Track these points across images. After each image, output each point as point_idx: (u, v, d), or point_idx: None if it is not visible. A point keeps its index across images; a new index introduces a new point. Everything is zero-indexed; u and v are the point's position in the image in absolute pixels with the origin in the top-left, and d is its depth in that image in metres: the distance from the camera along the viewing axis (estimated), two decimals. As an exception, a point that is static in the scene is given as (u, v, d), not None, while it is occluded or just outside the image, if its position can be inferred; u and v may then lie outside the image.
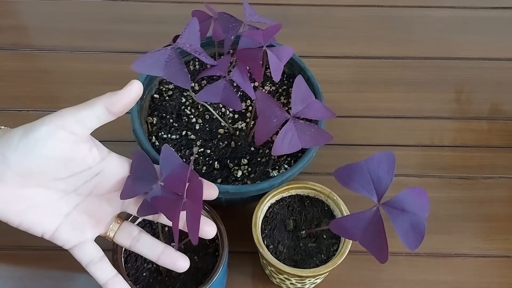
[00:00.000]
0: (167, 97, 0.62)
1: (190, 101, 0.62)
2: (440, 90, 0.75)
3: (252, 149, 0.58)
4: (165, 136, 0.58)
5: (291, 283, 0.54)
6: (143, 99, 0.59)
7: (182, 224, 0.46)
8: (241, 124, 0.60)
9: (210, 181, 0.53)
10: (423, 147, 0.70)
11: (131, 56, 0.76)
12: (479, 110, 0.73)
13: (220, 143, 0.58)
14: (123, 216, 0.50)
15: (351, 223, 0.44)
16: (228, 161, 0.57)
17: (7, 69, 0.75)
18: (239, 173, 0.56)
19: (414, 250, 0.43)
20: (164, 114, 0.60)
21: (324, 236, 0.54)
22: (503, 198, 0.65)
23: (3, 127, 0.47)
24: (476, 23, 0.84)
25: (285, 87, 0.64)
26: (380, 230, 0.43)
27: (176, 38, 0.50)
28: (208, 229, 0.46)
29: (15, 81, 0.74)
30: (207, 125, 0.60)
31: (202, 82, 0.64)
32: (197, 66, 0.65)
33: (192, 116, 0.60)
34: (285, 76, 0.64)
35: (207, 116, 0.61)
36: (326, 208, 0.56)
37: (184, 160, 0.56)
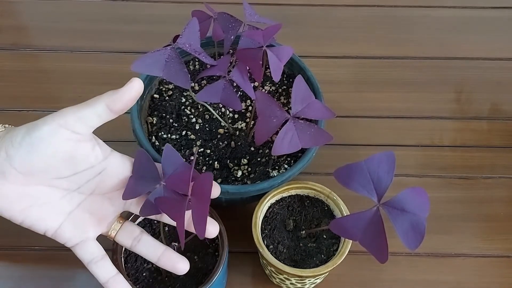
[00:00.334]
0: (167, 97, 0.62)
1: (190, 101, 0.62)
2: (440, 90, 0.75)
3: (252, 149, 0.58)
4: (165, 136, 0.58)
5: (291, 283, 0.54)
6: (143, 99, 0.59)
7: (186, 223, 0.46)
8: (241, 124, 0.60)
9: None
10: (423, 147, 0.70)
11: (131, 56, 0.76)
12: (479, 110, 0.73)
13: (220, 143, 0.58)
14: (125, 216, 0.50)
15: (351, 223, 0.44)
16: (228, 161, 0.57)
17: (7, 69, 0.75)
18: (239, 173, 0.56)
19: (414, 250, 0.43)
20: (164, 114, 0.60)
21: (324, 236, 0.54)
22: (503, 198, 0.65)
23: (7, 125, 0.47)
24: (476, 23, 0.84)
25: (285, 87, 0.64)
26: (380, 230, 0.43)
27: (176, 38, 0.50)
28: (211, 228, 0.46)
29: (15, 81, 0.74)
30: (207, 125, 0.60)
31: (202, 82, 0.64)
32: (197, 66, 0.65)
33: (192, 116, 0.60)
34: (285, 76, 0.64)
35: (207, 116, 0.61)
36: (326, 208, 0.56)
37: (184, 160, 0.56)
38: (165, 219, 0.47)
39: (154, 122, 0.59)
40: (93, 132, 0.45)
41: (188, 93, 0.62)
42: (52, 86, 0.74)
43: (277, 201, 0.56)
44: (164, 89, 0.62)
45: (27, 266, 0.58)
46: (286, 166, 0.57)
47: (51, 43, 0.78)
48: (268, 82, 0.64)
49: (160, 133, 0.58)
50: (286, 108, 0.61)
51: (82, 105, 0.43)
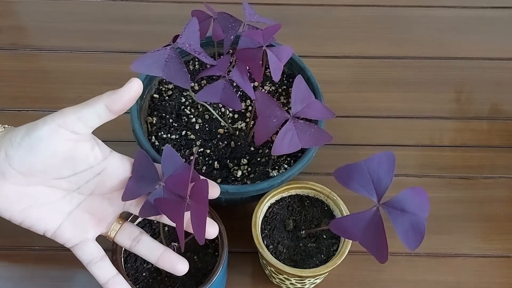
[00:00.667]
0: (166, 97, 0.62)
1: (190, 101, 0.62)
2: (440, 90, 0.75)
3: (252, 149, 0.58)
4: (164, 136, 0.58)
5: (291, 283, 0.54)
6: (142, 99, 0.59)
7: (185, 225, 0.46)
8: (240, 124, 0.60)
9: (210, 181, 0.54)
10: (423, 147, 0.70)
11: (130, 56, 0.76)
12: (479, 110, 0.73)
13: (220, 143, 0.58)
14: (125, 217, 0.50)
15: (351, 223, 0.44)
16: (228, 161, 0.57)
17: (7, 69, 0.75)
18: (239, 173, 0.56)
19: (414, 250, 0.43)
20: (163, 114, 0.60)
21: (324, 236, 0.54)
22: (503, 198, 0.65)
23: (6, 126, 0.47)
24: (476, 23, 0.84)
25: (284, 87, 0.64)
26: (380, 230, 0.43)
27: (176, 38, 0.50)
28: (210, 229, 0.46)
29: (14, 81, 0.74)
30: (206, 125, 0.60)
31: (202, 82, 0.64)
32: (196, 66, 0.65)
33: (191, 116, 0.60)
34: (285, 76, 0.64)
35: (206, 116, 0.61)
36: (326, 208, 0.56)
37: (184, 160, 0.56)
38: (165, 219, 0.47)
39: (154, 122, 0.59)
40: (93, 132, 0.44)
41: (188, 93, 0.62)
42: (52, 86, 0.74)
43: (277, 201, 0.56)
44: (164, 89, 0.62)
45: (27, 266, 0.58)
46: (286, 166, 0.56)
47: (51, 43, 0.78)
48: (268, 82, 0.64)
49: (160, 133, 0.58)
50: (286, 108, 0.61)
51: (82, 105, 0.43)
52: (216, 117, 0.59)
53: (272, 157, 0.57)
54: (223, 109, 0.61)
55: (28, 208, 0.44)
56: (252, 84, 0.57)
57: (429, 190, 0.45)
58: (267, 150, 0.58)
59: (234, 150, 0.58)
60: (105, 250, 0.48)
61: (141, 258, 0.51)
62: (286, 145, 0.50)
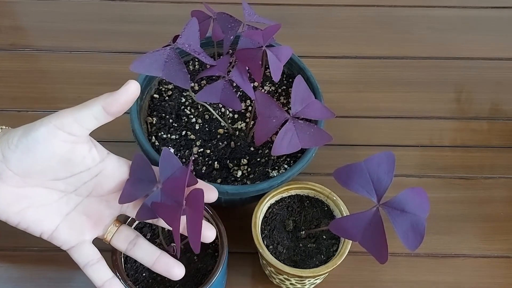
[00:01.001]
0: (166, 97, 0.62)
1: (190, 101, 0.62)
2: (440, 90, 0.75)
3: (252, 149, 0.58)
4: (164, 136, 0.58)
5: (291, 284, 0.54)
6: (142, 99, 0.59)
7: (182, 228, 0.46)
8: (240, 124, 0.60)
9: (210, 181, 0.53)
10: (423, 147, 0.69)
11: (130, 56, 0.76)
12: (479, 110, 0.73)
13: (220, 143, 0.58)
14: (122, 219, 0.49)
15: (351, 223, 0.44)
16: (228, 161, 0.57)
17: (5, 70, 0.75)
18: (239, 173, 0.56)
19: (414, 251, 0.43)
20: (163, 114, 0.60)
21: (324, 237, 0.54)
22: (503, 198, 0.65)
23: (4, 127, 0.47)
24: (476, 23, 0.84)
25: (284, 87, 0.64)
26: (380, 230, 0.43)
27: (175, 38, 0.49)
28: (208, 233, 0.46)
29: (13, 82, 0.73)
30: (206, 125, 0.60)
31: (202, 82, 0.64)
32: (196, 66, 0.65)
33: (191, 116, 0.60)
34: (284, 76, 0.64)
35: (206, 116, 0.60)
36: (326, 208, 0.56)
37: (183, 160, 0.56)
38: (161, 223, 0.47)
39: (154, 122, 0.59)
40: (93, 132, 0.44)
41: (187, 93, 0.62)
42: (51, 87, 0.73)
43: (277, 202, 0.56)
44: (163, 89, 0.62)
45: (26, 267, 0.58)
46: (285, 166, 0.56)
47: (50, 44, 0.78)
48: (267, 82, 0.64)
49: (159, 133, 0.58)
50: (286, 108, 0.61)
51: (79, 107, 0.43)
52: (216, 117, 0.59)
53: (272, 157, 0.57)
54: (223, 109, 0.61)
55: (25, 210, 0.44)
56: (252, 84, 0.57)
57: (429, 190, 0.45)
58: (267, 151, 0.58)
59: (234, 150, 0.58)
60: (105, 250, 0.48)
61: (141, 258, 0.52)
62: (286, 145, 0.49)
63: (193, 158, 0.52)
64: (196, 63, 0.65)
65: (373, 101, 0.73)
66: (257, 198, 0.54)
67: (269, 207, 0.55)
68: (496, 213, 0.64)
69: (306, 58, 0.64)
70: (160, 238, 0.52)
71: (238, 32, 0.55)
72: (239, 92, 0.62)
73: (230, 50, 0.61)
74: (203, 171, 0.56)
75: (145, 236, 0.53)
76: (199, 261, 0.52)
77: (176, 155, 0.56)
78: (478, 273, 0.59)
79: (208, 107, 0.59)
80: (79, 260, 0.46)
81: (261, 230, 0.54)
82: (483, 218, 0.64)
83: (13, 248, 0.59)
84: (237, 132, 0.59)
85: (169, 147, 0.57)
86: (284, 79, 0.64)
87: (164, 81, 0.63)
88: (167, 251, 0.48)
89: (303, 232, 0.54)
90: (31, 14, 0.83)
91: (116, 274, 0.48)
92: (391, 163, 0.44)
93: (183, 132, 0.59)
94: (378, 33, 0.82)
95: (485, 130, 0.71)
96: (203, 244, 0.53)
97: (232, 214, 0.57)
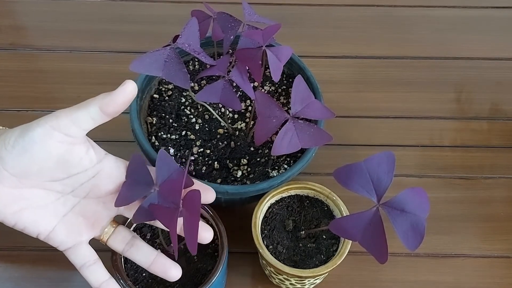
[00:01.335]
0: (166, 97, 0.62)
1: (190, 101, 0.62)
2: (440, 90, 0.75)
3: (252, 149, 0.58)
4: (164, 136, 0.58)
5: (291, 284, 0.54)
6: (142, 99, 0.59)
7: (180, 229, 0.45)
8: (240, 124, 0.60)
9: (210, 181, 0.53)
10: (423, 147, 0.69)
11: (129, 56, 0.76)
12: (479, 110, 0.73)
13: (220, 143, 0.58)
14: (119, 220, 0.49)
15: (351, 223, 0.44)
16: (228, 161, 0.57)
17: (5, 69, 0.75)
18: (239, 173, 0.56)
19: (413, 251, 0.43)
20: (163, 114, 0.60)
21: (324, 237, 0.54)
22: (503, 198, 0.65)
23: (1, 127, 0.47)
24: (476, 23, 0.84)
25: (284, 87, 0.64)
26: (380, 230, 0.43)
27: (175, 38, 0.49)
28: (205, 234, 0.46)
29: (13, 81, 0.73)
30: (206, 125, 0.60)
31: (202, 82, 0.64)
32: (196, 66, 0.65)
33: (191, 116, 0.60)
34: (284, 76, 0.64)
35: (206, 116, 0.60)
36: (326, 208, 0.56)
37: (183, 160, 0.56)
38: (159, 224, 0.47)
39: (154, 122, 0.59)
40: (93, 132, 0.44)
41: (187, 93, 0.62)
42: (51, 86, 0.73)
43: (277, 201, 0.56)
44: (163, 89, 0.62)
45: (25, 267, 0.58)
46: (285, 166, 0.56)
47: (50, 43, 0.78)
48: (267, 82, 0.64)
49: (159, 133, 0.58)
50: (286, 108, 0.61)
51: (76, 108, 0.43)
52: (216, 117, 0.59)
53: (272, 157, 0.57)
54: (223, 109, 0.61)
55: (21, 211, 0.44)
56: (252, 84, 0.57)
57: (429, 190, 0.45)
58: (267, 150, 0.58)
59: (234, 150, 0.58)
60: (104, 250, 0.48)
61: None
62: (285, 145, 0.49)
63: (190, 159, 0.52)
64: (196, 63, 0.65)
65: (373, 101, 0.73)
66: (257, 198, 0.54)
67: (269, 207, 0.55)
68: (496, 213, 0.64)
69: (306, 58, 0.64)
70: (160, 239, 0.52)
71: (238, 32, 0.55)
72: (239, 92, 0.62)
73: (230, 50, 0.61)
74: (203, 171, 0.56)
75: (145, 236, 0.53)
76: (199, 261, 0.52)
77: (176, 155, 0.56)
78: (478, 273, 0.59)
79: (208, 107, 0.59)
80: (75, 261, 0.46)
81: (261, 230, 0.54)
82: (483, 218, 0.64)
83: (13, 247, 0.59)
84: (237, 132, 0.59)
85: (169, 147, 0.57)
86: (284, 79, 0.64)
87: (164, 81, 0.63)
88: (167, 252, 0.48)
89: (303, 232, 0.54)
90: (31, 14, 0.83)
91: (116, 274, 0.48)
92: (391, 163, 0.44)
93: (183, 132, 0.59)
94: (378, 33, 0.82)
95: (485, 130, 0.71)
96: (203, 244, 0.53)
97: (232, 214, 0.57)
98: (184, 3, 0.83)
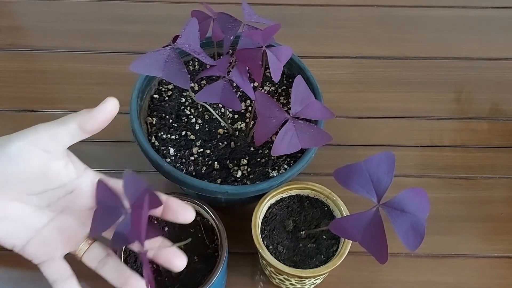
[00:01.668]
0: (166, 97, 0.62)
1: (190, 101, 0.62)
2: (440, 90, 0.75)
3: (252, 149, 0.58)
4: (164, 136, 0.58)
5: (291, 284, 0.54)
6: (142, 99, 0.59)
7: (152, 254, 0.44)
8: (240, 124, 0.60)
9: (210, 181, 0.53)
10: (423, 147, 0.69)
11: (129, 56, 0.76)
12: (479, 110, 0.73)
13: (220, 144, 0.58)
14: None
15: (351, 223, 0.44)
16: (228, 161, 0.57)
17: (5, 70, 0.75)
18: (239, 174, 0.56)
19: (414, 251, 0.43)
20: (163, 114, 0.60)
21: (324, 237, 0.54)
22: (503, 199, 0.65)
23: None
24: (476, 23, 0.84)
25: (284, 87, 0.64)
26: (380, 230, 0.43)
27: (175, 38, 0.49)
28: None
29: (13, 82, 0.73)
30: (206, 125, 0.60)
31: (202, 82, 0.64)
32: (196, 66, 0.65)
33: (191, 116, 0.60)
34: (284, 76, 0.64)
35: (206, 116, 0.60)
36: (326, 208, 0.56)
37: (183, 160, 0.56)
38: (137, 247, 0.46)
39: (154, 122, 0.59)
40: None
41: (187, 93, 0.62)
42: (51, 87, 0.73)
43: (277, 202, 0.56)
44: (163, 89, 0.62)
45: (26, 268, 0.58)
46: (285, 166, 0.56)
47: (49, 44, 0.78)
48: (267, 82, 0.64)
49: (159, 134, 0.58)
50: (286, 109, 0.61)
51: (56, 123, 0.42)
52: (216, 118, 0.59)
53: (272, 157, 0.57)
54: (223, 110, 0.61)
55: None
56: (252, 85, 0.57)
57: (429, 191, 0.45)
58: (267, 151, 0.58)
59: (234, 151, 0.58)
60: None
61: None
62: (285, 145, 0.49)
63: (191, 159, 0.51)
64: (196, 63, 0.65)
65: (373, 101, 0.73)
66: (257, 198, 0.54)
67: (269, 207, 0.55)
68: (496, 213, 0.64)
69: (306, 58, 0.64)
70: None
71: (238, 32, 0.55)
72: (239, 92, 0.62)
73: (230, 50, 0.61)
74: (203, 171, 0.56)
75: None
76: (199, 261, 0.52)
77: (176, 155, 0.56)
78: (478, 273, 0.59)
79: (208, 107, 0.59)
80: (48, 276, 0.45)
81: (261, 230, 0.54)
82: (483, 218, 0.63)
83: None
84: (237, 132, 0.59)
85: (169, 147, 0.57)
86: (284, 79, 0.64)
87: (164, 81, 0.63)
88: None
89: (303, 232, 0.54)
90: (30, 14, 0.82)
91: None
92: (391, 163, 0.44)
93: (183, 132, 0.59)
94: (378, 33, 0.82)
95: (485, 130, 0.71)
96: (203, 244, 0.53)
97: (232, 214, 0.57)
98: (184, 3, 0.83)
